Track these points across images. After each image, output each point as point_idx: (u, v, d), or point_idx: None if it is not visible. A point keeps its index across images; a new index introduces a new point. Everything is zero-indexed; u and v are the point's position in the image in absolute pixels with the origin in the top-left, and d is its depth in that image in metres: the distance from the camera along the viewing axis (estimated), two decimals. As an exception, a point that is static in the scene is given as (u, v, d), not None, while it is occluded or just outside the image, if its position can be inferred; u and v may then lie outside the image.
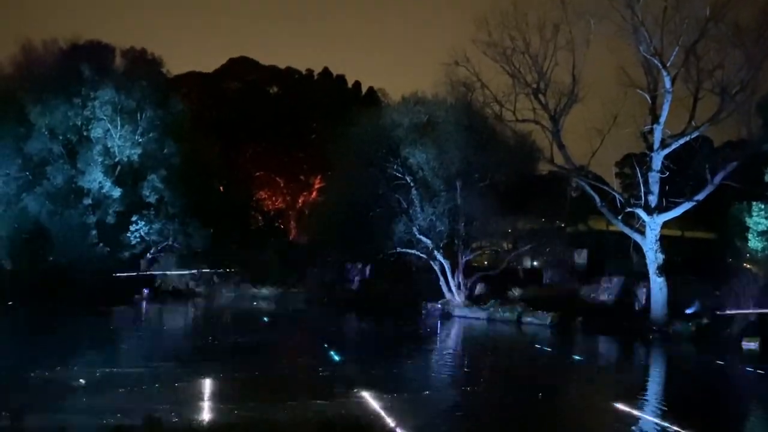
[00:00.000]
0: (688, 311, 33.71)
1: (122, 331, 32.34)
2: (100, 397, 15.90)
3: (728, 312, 30.91)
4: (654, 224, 34.50)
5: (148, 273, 47.39)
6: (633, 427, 15.60)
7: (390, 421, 13.79)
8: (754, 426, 17.68)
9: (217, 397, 16.54)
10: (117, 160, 47.68)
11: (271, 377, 20.15)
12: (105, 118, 46.81)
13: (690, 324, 32.63)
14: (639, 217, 35.26)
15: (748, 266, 34.86)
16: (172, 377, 18.59)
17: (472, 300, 41.57)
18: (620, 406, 16.77)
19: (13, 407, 13.46)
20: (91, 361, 21.40)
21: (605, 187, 37.28)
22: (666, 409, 17.55)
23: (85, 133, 47.45)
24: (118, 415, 13.72)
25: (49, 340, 26.19)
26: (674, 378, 24.47)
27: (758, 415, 18.76)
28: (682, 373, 25.77)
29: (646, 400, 19.10)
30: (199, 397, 16.40)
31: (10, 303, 36.79)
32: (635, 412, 16.47)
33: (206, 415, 14.53)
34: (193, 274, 48.86)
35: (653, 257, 34.41)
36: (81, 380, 17.50)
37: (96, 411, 14.35)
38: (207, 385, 17.66)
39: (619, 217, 35.76)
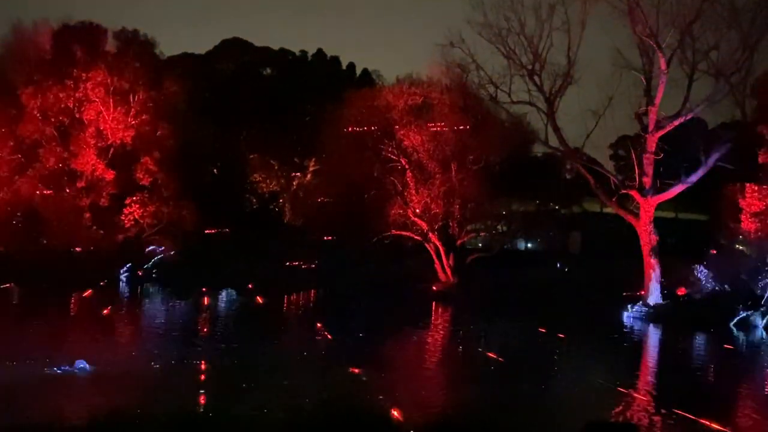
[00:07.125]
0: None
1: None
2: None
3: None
4: (648, 206, 34.54)
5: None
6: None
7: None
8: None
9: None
10: (110, 142, 47.38)
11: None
12: (97, 99, 46.41)
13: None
14: (633, 199, 35.29)
15: (741, 247, 34.99)
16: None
17: (467, 282, 41.62)
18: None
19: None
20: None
21: (600, 169, 37.28)
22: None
23: (77, 115, 47.04)
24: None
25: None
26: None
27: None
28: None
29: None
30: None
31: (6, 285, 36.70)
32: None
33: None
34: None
35: (647, 239, 34.48)
36: None
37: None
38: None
39: (614, 199, 35.79)
